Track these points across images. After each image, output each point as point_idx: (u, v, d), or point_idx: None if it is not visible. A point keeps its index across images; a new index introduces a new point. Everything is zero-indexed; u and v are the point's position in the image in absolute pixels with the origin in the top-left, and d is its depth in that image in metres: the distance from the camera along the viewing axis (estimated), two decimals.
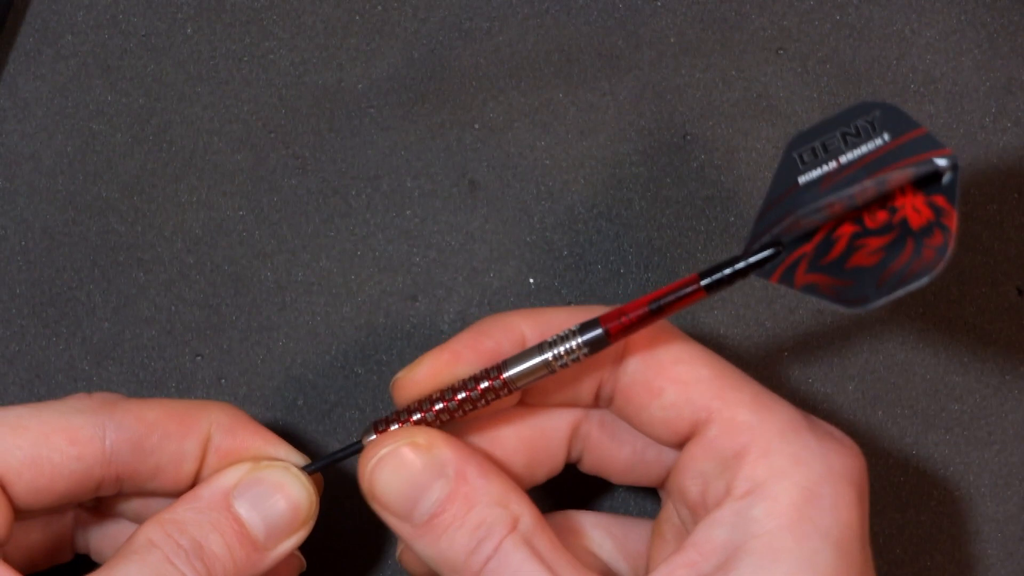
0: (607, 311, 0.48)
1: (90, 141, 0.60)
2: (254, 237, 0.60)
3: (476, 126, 0.60)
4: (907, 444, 0.60)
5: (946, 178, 0.44)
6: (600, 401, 0.52)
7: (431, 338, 0.60)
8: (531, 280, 0.60)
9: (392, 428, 0.50)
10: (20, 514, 0.48)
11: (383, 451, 0.49)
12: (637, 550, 0.55)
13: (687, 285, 0.47)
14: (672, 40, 0.60)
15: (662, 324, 0.51)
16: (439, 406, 0.50)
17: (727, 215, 0.60)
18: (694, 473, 0.49)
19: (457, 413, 0.50)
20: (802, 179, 0.46)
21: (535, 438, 0.53)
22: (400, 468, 0.48)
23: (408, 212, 0.60)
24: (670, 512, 0.53)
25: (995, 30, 0.60)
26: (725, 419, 0.48)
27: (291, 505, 0.50)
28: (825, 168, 0.46)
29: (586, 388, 0.51)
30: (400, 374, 0.51)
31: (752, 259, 0.47)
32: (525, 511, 0.48)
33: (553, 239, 0.60)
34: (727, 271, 0.47)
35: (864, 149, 0.45)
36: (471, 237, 0.60)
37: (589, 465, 0.54)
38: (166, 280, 0.60)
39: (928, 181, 0.44)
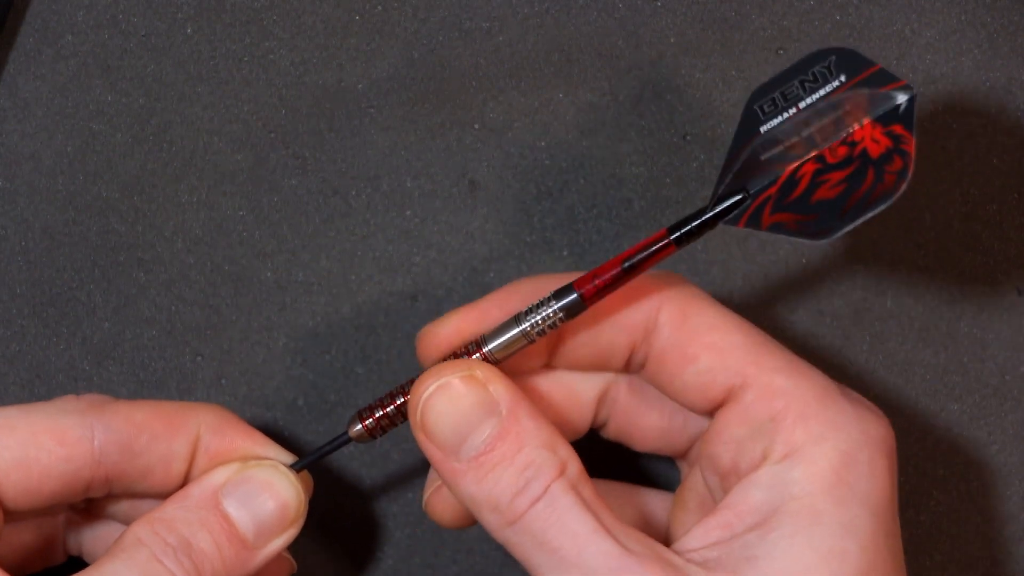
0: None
1: (90, 141, 0.60)
2: (254, 237, 0.60)
3: (476, 126, 0.60)
4: (907, 444, 0.60)
5: (903, 107, 0.45)
6: (632, 367, 0.52)
7: None
8: None
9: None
10: (10, 515, 0.49)
11: (439, 381, 0.48)
12: (658, 520, 0.55)
13: (657, 241, 0.48)
14: (672, 40, 0.60)
15: (694, 292, 0.51)
16: None
17: None
18: (727, 439, 0.49)
19: None
20: (764, 128, 0.47)
21: (564, 398, 0.53)
22: (454, 401, 0.47)
23: (408, 212, 0.60)
24: (693, 481, 0.53)
25: (995, 30, 0.60)
26: (761, 384, 0.48)
27: (280, 503, 0.50)
28: (785, 115, 0.47)
29: (618, 353, 0.51)
30: (426, 327, 0.51)
31: (718, 207, 0.47)
32: (572, 458, 0.47)
33: (553, 239, 0.60)
34: (695, 222, 0.47)
35: (822, 92, 0.46)
36: (471, 237, 0.60)
37: (614, 430, 0.54)
38: (166, 280, 0.60)
39: (885, 113, 0.45)
